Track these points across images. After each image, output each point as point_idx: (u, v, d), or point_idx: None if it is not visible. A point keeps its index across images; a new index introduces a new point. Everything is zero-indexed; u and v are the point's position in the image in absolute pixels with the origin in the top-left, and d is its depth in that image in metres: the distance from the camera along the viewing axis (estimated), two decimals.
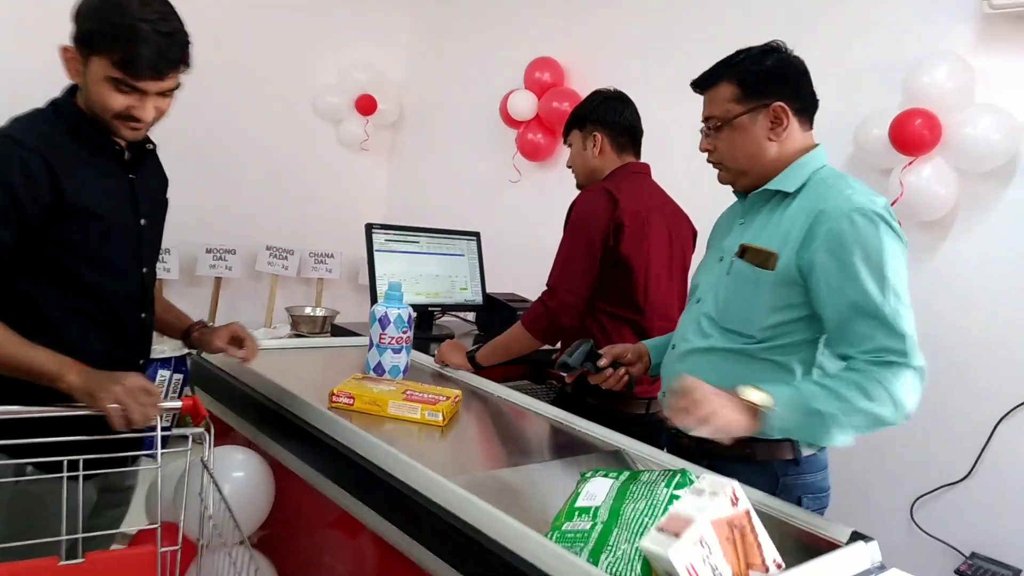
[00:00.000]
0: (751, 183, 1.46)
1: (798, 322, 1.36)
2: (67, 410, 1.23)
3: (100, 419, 1.24)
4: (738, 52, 1.45)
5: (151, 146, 1.53)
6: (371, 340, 1.71)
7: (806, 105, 1.44)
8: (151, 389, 1.24)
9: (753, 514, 0.94)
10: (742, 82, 1.41)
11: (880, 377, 1.24)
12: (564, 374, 1.68)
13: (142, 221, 1.50)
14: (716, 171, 1.51)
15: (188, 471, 1.27)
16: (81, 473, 1.16)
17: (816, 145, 1.45)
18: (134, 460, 1.59)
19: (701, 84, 1.48)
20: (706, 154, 1.50)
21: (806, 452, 1.43)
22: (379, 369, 1.70)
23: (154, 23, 1.31)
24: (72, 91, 1.43)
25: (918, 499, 2.34)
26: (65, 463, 1.17)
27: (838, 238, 1.29)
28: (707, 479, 0.94)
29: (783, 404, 1.23)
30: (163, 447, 1.25)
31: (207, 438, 1.27)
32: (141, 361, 1.57)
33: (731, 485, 0.92)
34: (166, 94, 1.38)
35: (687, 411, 1.18)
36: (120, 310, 1.48)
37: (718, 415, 1.19)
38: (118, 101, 1.33)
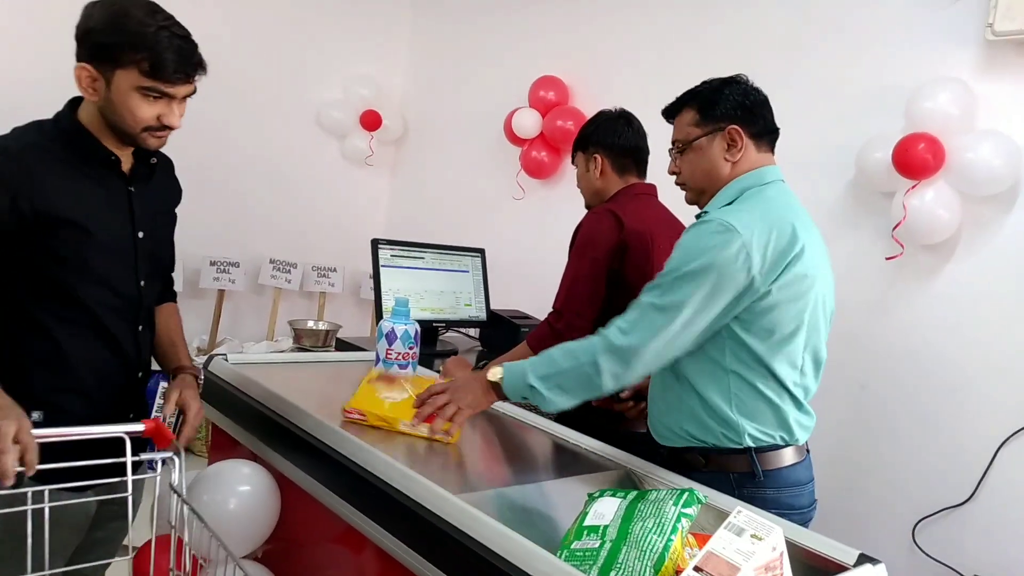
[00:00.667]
0: (707, 202, 1.56)
1: None
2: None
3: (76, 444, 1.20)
4: (702, 83, 1.59)
5: (154, 160, 1.52)
6: (377, 355, 1.72)
7: (762, 131, 1.54)
8: (27, 448, 1.11)
9: (785, 556, 0.94)
10: (701, 107, 1.55)
11: (595, 347, 1.39)
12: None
13: (139, 234, 1.49)
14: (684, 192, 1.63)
15: (156, 497, 1.24)
16: (47, 505, 1.10)
17: (765, 165, 1.53)
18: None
19: (668, 112, 1.63)
20: (675, 176, 1.63)
21: (769, 466, 1.45)
22: None
23: (170, 28, 1.33)
24: (72, 105, 1.43)
25: (920, 521, 2.34)
26: (29, 495, 1.10)
27: (679, 240, 1.45)
28: (744, 515, 0.93)
29: (509, 375, 1.44)
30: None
31: (176, 462, 1.23)
32: (140, 374, 1.57)
33: (776, 531, 0.91)
34: (185, 99, 1.40)
35: (437, 414, 1.43)
36: (112, 322, 1.46)
37: (461, 401, 1.44)
38: (148, 111, 1.35)
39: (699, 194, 1.59)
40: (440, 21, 4.36)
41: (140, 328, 1.53)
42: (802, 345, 1.46)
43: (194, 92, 1.41)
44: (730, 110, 1.52)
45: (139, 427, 1.24)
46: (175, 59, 1.32)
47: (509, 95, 3.67)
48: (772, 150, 1.58)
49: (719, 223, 1.38)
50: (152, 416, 1.64)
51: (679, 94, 1.62)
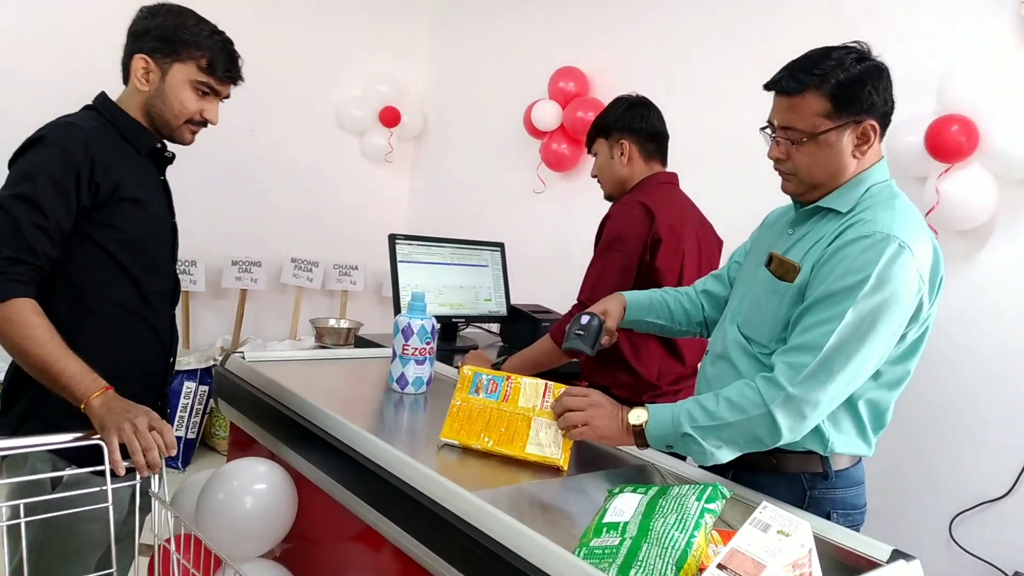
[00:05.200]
0: (820, 196, 1.37)
1: None
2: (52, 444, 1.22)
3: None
4: (823, 55, 1.31)
5: (170, 154, 1.61)
6: (394, 351, 1.69)
7: (888, 118, 1.35)
8: (163, 431, 1.24)
9: (814, 552, 0.90)
10: (835, 95, 1.28)
11: (762, 393, 1.23)
12: (576, 357, 1.64)
13: (174, 220, 1.62)
14: (780, 179, 1.41)
15: (139, 502, 1.23)
16: (22, 520, 1.12)
17: (880, 159, 1.38)
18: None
19: (786, 89, 1.32)
20: (776, 162, 1.39)
21: (838, 466, 1.38)
22: (402, 381, 1.68)
23: (223, 35, 1.52)
24: (108, 99, 1.52)
25: (957, 516, 2.27)
26: (16, 508, 1.14)
27: (841, 252, 1.25)
28: (769, 510, 0.89)
29: (655, 423, 1.27)
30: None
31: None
32: (171, 359, 1.63)
33: (804, 527, 0.87)
34: (220, 101, 1.56)
35: (565, 419, 1.29)
36: (156, 304, 1.54)
37: (594, 426, 1.28)
38: (195, 104, 1.50)
39: (811, 189, 1.36)
40: (459, 15, 4.33)
41: (173, 313, 1.63)
42: (916, 364, 1.35)
43: (228, 97, 1.57)
44: (867, 99, 1.28)
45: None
46: (227, 60, 1.51)
47: (528, 87, 3.64)
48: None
49: (896, 241, 1.21)
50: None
51: (795, 63, 1.33)
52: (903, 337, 1.29)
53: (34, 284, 1.33)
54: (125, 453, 1.21)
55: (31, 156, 1.36)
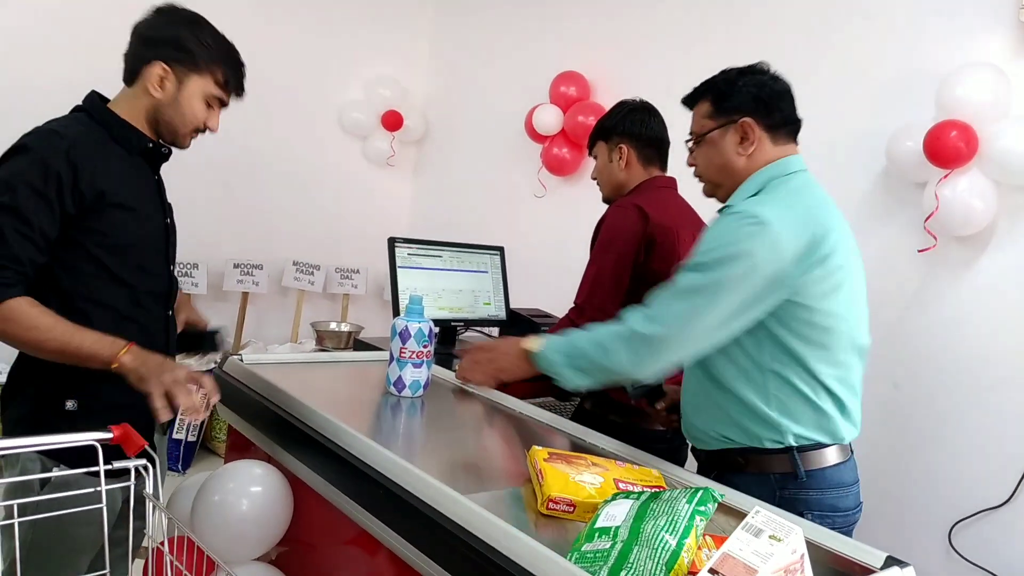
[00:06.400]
0: (727, 196, 1.52)
1: None
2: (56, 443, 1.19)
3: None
4: (720, 72, 1.55)
5: (166, 150, 1.61)
6: (391, 354, 1.70)
7: (779, 122, 1.49)
8: (199, 380, 1.37)
9: (806, 558, 0.89)
10: (715, 99, 1.51)
11: (617, 333, 1.39)
12: (631, 398, 1.72)
13: (168, 220, 1.61)
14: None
15: (132, 506, 1.21)
16: (16, 520, 1.11)
17: (780, 158, 1.48)
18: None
19: (687, 101, 1.60)
20: (693, 168, 1.60)
21: (811, 466, 1.40)
22: (399, 384, 1.68)
23: (235, 50, 1.55)
24: (94, 100, 1.51)
25: (957, 523, 2.26)
26: (9, 509, 1.13)
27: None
28: (762, 515, 0.89)
29: (550, 350, 1.46)
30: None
31: (150, 470, 1.20)
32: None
33: (796, 532, 0.87)
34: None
35: (472, 370, 1.60)
36: (148, 306, 1.54)
37: (497, 365, 1.56)
38: (204, 115, 1.54)
39: (715, 188, 1.56)
40: (460, 19, 4.34)
41: (169, 313, 1.62)
42: (842, 340, 1.40)
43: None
44: (743, 102, 1.48)
45: (107, 435, 1.21)
46: (239, 76, 1.56)
47: (530, 92, 3.65)
48: (794, 141, 1.52)
49: (748, 215, 1.33)
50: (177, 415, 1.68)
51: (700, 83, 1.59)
52: (791, 307, 1.35)
53: (23, 286, 1.35)
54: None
55: (11, 165, 1.37)
